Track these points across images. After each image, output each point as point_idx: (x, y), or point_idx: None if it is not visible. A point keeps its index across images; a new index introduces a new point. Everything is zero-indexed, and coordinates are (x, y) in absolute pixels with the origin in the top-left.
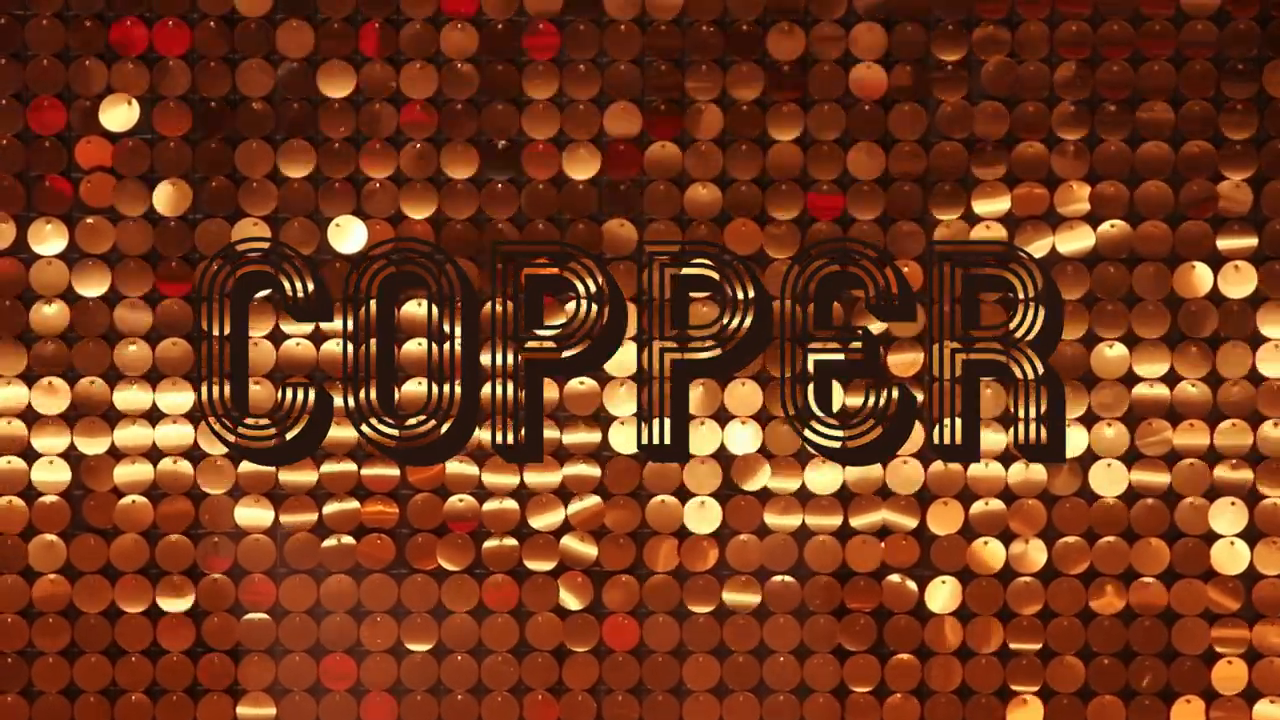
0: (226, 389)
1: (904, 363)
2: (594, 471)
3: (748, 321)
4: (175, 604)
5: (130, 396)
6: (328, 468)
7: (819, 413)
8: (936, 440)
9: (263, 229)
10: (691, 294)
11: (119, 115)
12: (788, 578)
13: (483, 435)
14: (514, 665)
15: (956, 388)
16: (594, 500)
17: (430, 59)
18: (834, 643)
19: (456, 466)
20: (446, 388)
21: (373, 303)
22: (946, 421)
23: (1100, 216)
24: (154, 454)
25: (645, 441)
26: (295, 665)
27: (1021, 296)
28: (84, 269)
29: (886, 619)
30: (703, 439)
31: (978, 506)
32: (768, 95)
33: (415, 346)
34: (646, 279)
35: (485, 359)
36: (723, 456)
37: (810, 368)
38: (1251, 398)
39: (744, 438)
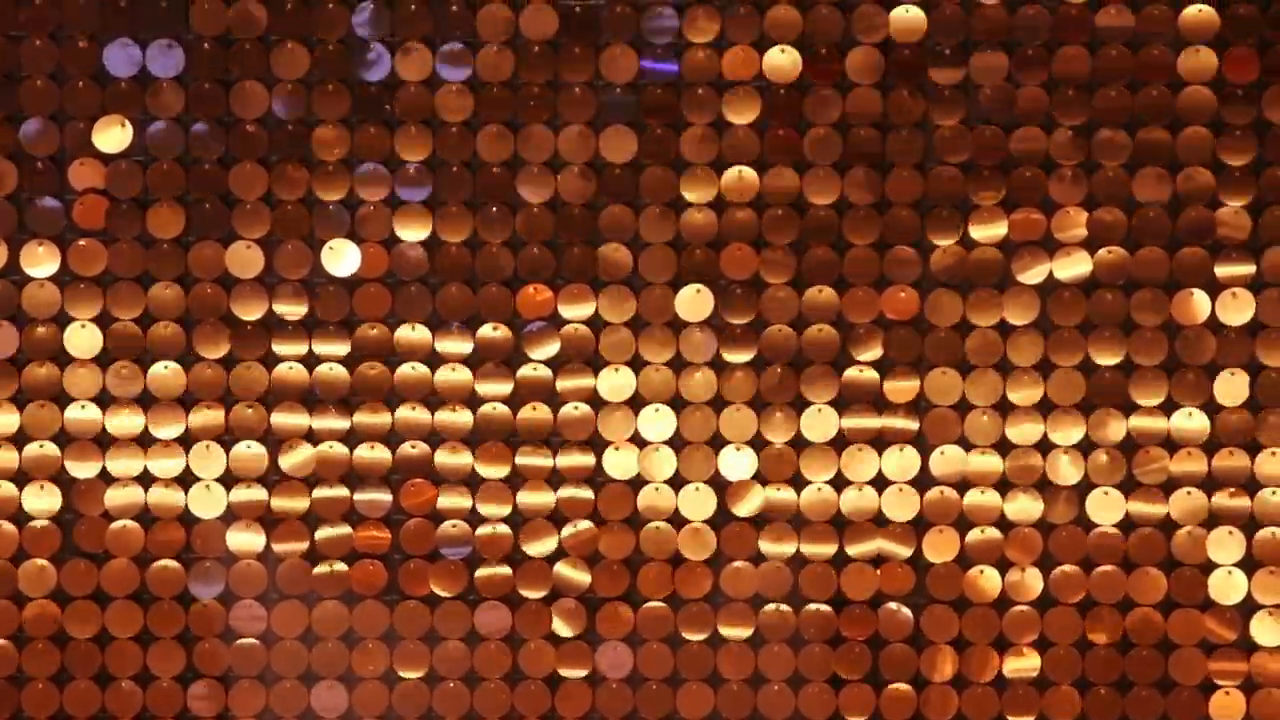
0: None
1: (901, 389)
2: (588, 496)
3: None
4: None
5: (122, 420)
6: (320, 493)
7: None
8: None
9: (256, 252)
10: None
11: (112, 137)
12: (782, 605)
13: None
14: (506, 693)
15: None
16: (588, 526)
17: (425, 82)
18: (829, 671)
19: (449, 494)
20: (441, 413)
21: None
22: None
23: (1098, 243)
24: (145, 478)
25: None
26: (286, 691)
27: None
28: (76, 291)
29: (882, 647)
30: (697, 465)
31: (974, 534)
32: (764, 118)
33: (410, 370)
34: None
35: (481, 385)
36: (717, 482)
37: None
38: (1250, 426)
39: (739, 463)
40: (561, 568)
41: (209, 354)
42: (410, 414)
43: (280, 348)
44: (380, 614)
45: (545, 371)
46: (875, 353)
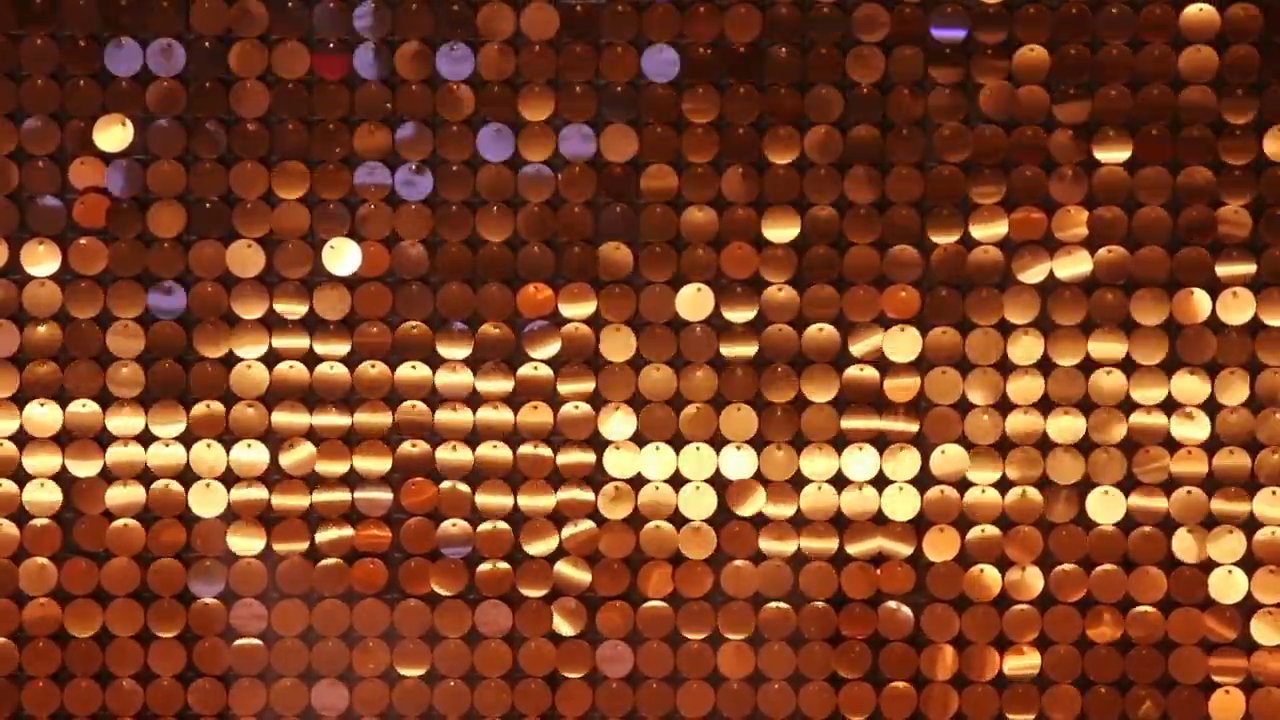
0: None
1: (901, 388)
2: (588, 496)
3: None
4: (166, 629)
5: (122, 419)
6: (320, 492)
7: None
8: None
9: (257, 251)
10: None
11: (113, 136)
12: (783, 604)
13: (480, 454)
14: (507, 691)
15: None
16: (588, 525)
17: (426, 81)
18: (829, 670)
19: (450, 489)
20: (442, 412)
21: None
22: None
23: (1098, 242)
24: (146, 477)
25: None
26: (286, 690)
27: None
28: (76, 290)
29: (882, 646)
30: (698, 464)
31: (974, 533)
32: (765, 118)
33: (410, 370)
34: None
35: (482, 383)
36: (718, 481)
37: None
38: (1250, 425)
39: (739, 463)
40: (562, 566)
41: (209, 353)
42: (411, 413)
43: (281, 346)
44: (381, 613)
45: (546, 371)
46: (874, 340)
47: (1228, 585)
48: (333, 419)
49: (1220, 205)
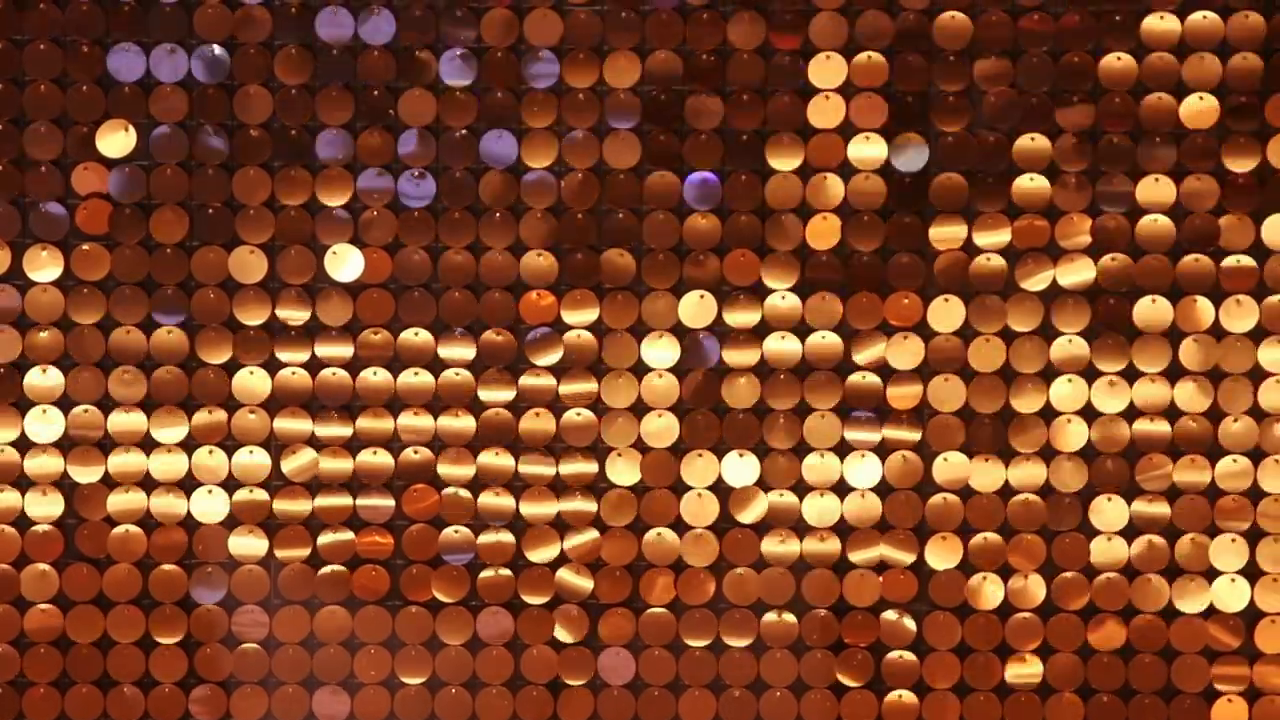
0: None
1: (903, 395)
2: (590, 504)
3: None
4: (167, 636)
5: (124, 425)
6: (322, 499)
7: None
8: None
9: (259, 257)
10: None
11: (116, 142)
12: (785, 612)
13: (482, 461)
14: (508, 699)
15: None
16: (591, 533)
17: (429, 87)
18: (831, 678)
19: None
20: (444, 418)
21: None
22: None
23: (1101, 249)
24: (148, 483)
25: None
26: (288, 697)
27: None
28: (79, 296)
29: (884, 654)
30: (700, 470)
31: (976, 541)
32: (768, 123)
33: (412, 376)
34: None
35: (483, 392)
36: (720, 489)
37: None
38: (1253, 433)
39: (741, 469)
40: (564, 574)
41: (211, 359)
42: (413, 420)
43: (283, 353)
44: (382, 619)
45: (548, 377)
46: (878, 349)
47: (1231, 593)
48: (335, 426)
49: (1223, 213)
